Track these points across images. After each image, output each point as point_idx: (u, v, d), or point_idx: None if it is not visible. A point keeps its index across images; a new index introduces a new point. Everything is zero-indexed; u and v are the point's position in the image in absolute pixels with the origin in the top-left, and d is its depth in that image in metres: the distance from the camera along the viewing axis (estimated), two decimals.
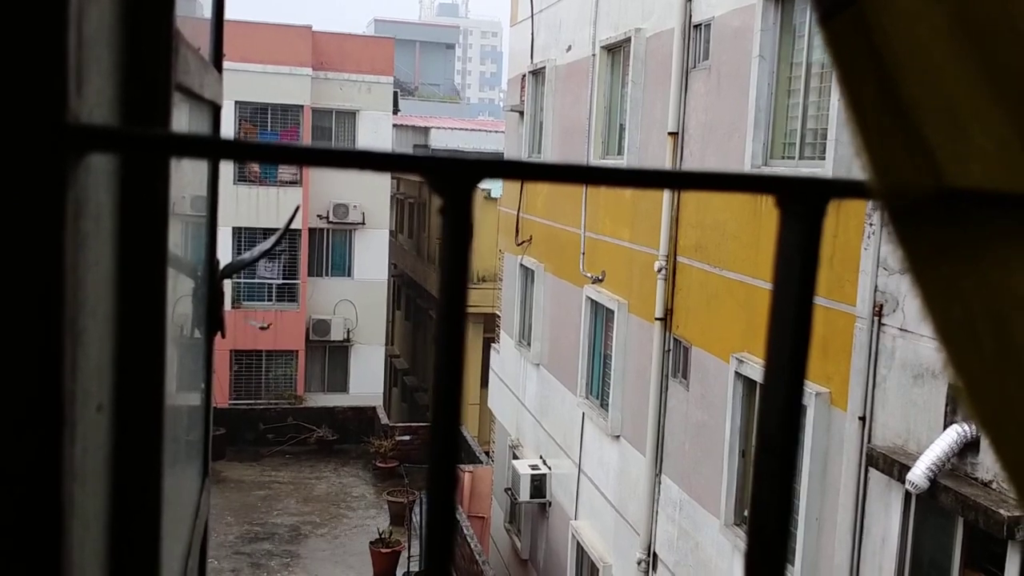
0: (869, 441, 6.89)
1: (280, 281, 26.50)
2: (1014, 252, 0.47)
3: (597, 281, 12.45)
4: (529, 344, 15.72)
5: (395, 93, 28.00)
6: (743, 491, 9.07)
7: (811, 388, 7.51)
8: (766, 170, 8.34)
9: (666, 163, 10.48)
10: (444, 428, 0.48)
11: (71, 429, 0.61)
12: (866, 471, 6.90)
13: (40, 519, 0.58)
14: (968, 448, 5.93)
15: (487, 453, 19.93)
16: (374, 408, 25.04)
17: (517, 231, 15.89)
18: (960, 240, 0.48)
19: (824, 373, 7.50)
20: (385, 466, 21.93)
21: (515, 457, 15.86)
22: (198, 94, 1.58)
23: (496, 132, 31.60)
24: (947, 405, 6.16)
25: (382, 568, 17.49)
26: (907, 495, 6.40)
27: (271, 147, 0.50)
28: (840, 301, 7.21)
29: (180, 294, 1.53)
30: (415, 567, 17.17)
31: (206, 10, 2.30)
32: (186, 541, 1.72)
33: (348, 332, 27.05)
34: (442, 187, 0.47)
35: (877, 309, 6.81)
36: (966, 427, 5.89)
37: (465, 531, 15.93)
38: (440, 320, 0.48)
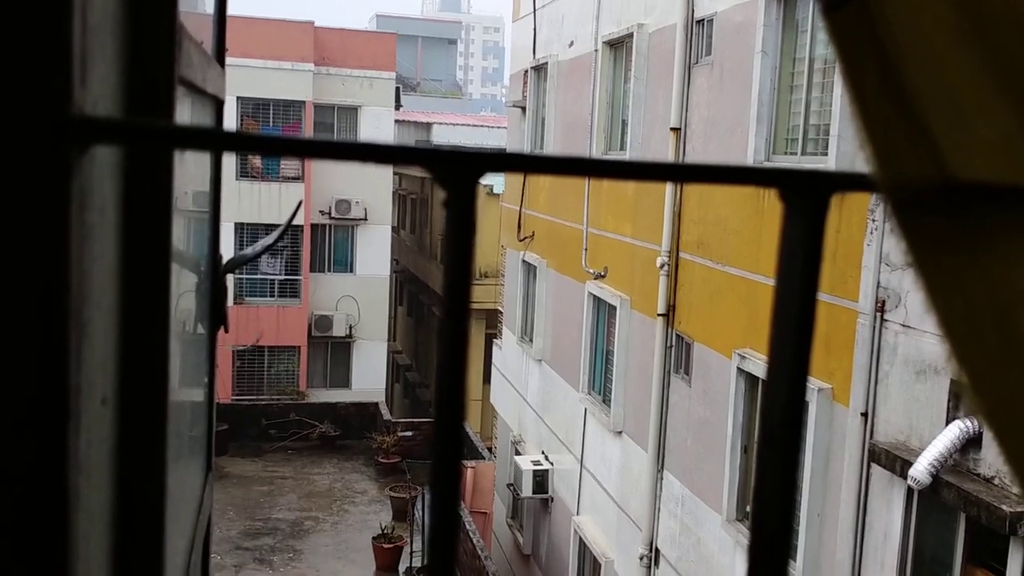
0: (871, 437, 6.88)
1: (282, 277, 26.51)
2: (1016, 247, 0.47)
3: (599, 277, 12.44)
4: (531, 340, 15.72)
5: (397, 89, 28.01)
6: (745, 487, 9.07)
7: (813, 384, 7.50)
8: (768, 165, 8.32)
9: (668, 158, 10.46)
10: (448, 422, 0.48)
11: (76, 421, 0.61)
12: (868, 467, 6.90)
13: (46, 512, 0.58)
14: (970, 444, 5.93)
15: (489, 449, 19.93)
16: (376, 404, 25.06)
17: (519, 227, 15.88)
18: (962, 233, 0.48)
19: (826, 369, 7.49)
20: (387, 462, 21.96)
21: (517, 453, 15.86)
22: (201, 88, 1.58)
23: (498, 128, 31.53)
24: (949, 401, 6.15)
25: (384, 563, 17.53)
26: (909, 491, 6.40)
27: (275, 140, 0.50)
28: (843, 297, 7.20)
29: (183, 289, 1.53)
30: (417, 562, 17.18)
31: (209, 5, 2.30)
32: (189, 536, 1.72)
33: (350, 328, 27.07)
34: (446, 179, 0.47)
35: (880, 305, 6.81)
36: (968, 423, 5.89)
37: (468, 526, 15.94)
38: (444, 317, 0.48)
